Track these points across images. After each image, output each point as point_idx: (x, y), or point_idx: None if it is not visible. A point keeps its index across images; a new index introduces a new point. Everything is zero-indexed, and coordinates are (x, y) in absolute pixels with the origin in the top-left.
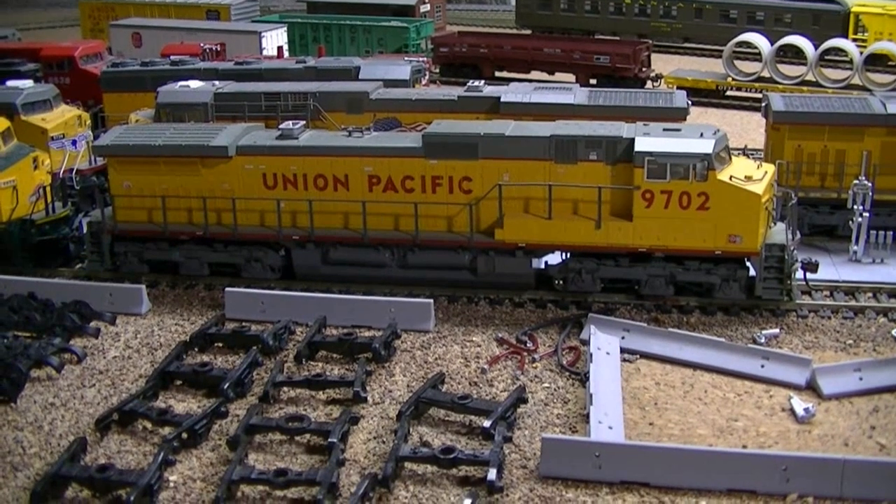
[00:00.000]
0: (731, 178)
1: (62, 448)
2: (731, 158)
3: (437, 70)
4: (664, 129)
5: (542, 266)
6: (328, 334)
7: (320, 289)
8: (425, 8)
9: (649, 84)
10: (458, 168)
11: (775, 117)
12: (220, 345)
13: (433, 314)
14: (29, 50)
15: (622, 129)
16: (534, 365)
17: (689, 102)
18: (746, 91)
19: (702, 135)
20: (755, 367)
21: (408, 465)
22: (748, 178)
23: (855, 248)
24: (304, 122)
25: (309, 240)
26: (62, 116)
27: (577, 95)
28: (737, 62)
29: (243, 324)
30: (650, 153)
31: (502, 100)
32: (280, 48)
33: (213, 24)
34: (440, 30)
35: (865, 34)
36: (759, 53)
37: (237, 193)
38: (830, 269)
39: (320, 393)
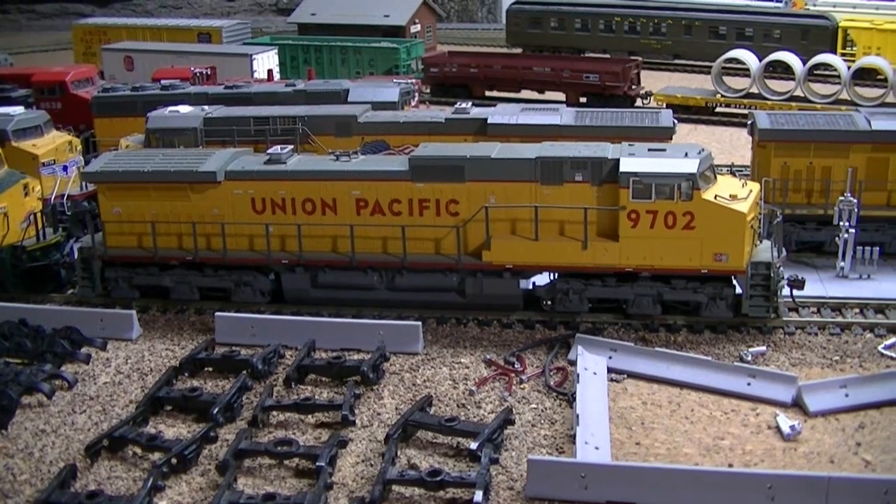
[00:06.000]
0: (716, 197)
1: (53, 475)
2: (716, 177)
3: (428, 90)
4: (649, 150)
5: (530, 287)
6: (317, 358)
7: (310, 312)
8: (416, 28)
9: (639, 101)
10: (444, 191)
11: (761, 135)
12: (211, 369)
13: (422, 336)
14: (20, 75)
15: (607, 149)
16: (521, 386)
17: (675, 121)
18: (735, 107)
19: (686, 154)
20: (741, 385)
21: (395, 487)
22: (733, 197)
23: (842, 264)
24: (291, 146)
25: (298, 263)
26: (53, 142)
27: (564, 116)
28: (726, 78)
29: (233, 348)
30: (635, 174)
31: (489, 121)
32: (270, 71)
33: (205, 48)
34: (431, 50)
35: (854, 49)
36: (748, 70)
37: (226, 218)
38: (818, 286)
39: (309, 417)
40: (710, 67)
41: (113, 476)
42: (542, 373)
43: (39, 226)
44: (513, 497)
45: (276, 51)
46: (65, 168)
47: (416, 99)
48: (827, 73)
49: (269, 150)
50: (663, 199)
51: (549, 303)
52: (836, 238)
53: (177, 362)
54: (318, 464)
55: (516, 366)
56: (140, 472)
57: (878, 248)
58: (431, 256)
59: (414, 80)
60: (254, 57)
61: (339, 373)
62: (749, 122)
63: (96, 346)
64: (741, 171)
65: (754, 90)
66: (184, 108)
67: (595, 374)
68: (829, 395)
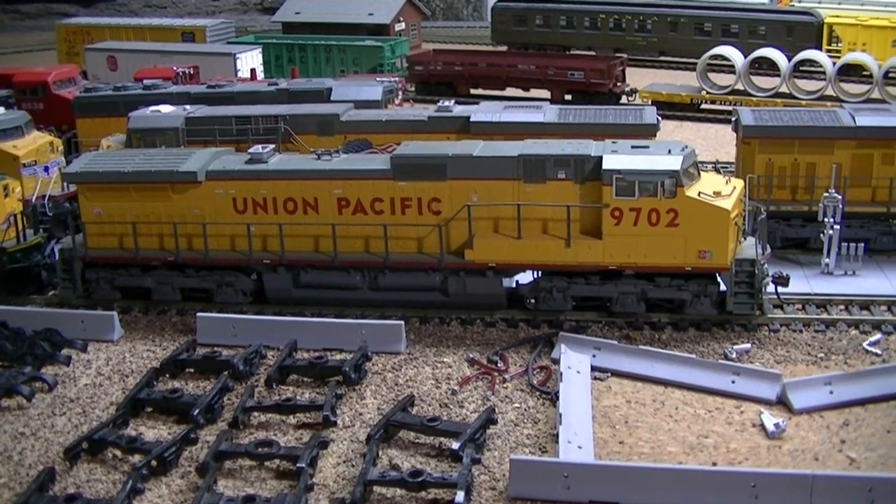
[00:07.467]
0: (699, 194)
1: (31, 478)
2: (699, 174)
3: (413, 88)
4: (632, 147)
5: (514, 285)
6: (299, 358)
7: (292, 312)
8: (400, 26)
9: (624, 99)
10: (426, 189)
11: (745, 132)
12: (192, 370)
13: (404, 336)
14: (2, 76)
15: (590, 147)
16: (505, 385)
17: (659, 118)
18: (721, 104)
19: (670, 151)
20: (726, 383)
21: (376, 488)
22: (717, 194)
23: (827, 260)
24: (273, 145)
25: (280, 263)
26: (34, 143)
27: (547, 113)
28: (711, 75)
29: (215, 349)
30: (618, 171)
31: (472, 119)
32: (253, 70)
33: (188, 47)
34: (415, 48)
35: (839, 45)
36: (733, 66)
37: (208, 218)
38: (802, 282)
39: (290, 417)
40: (696, 64)
41: (92, 479)
42: (526, 372)
43: (20, 227)
44: (495, 497)
45: (259, 50)
46: (46, 169)
47: (400, 97)
48: (812, 69)
49: (251, 150)
50: (647, 196)
51: (533, 301)
52: (821, 234)
53: (158, 363)
54: (298, 465)
55: (499, 365)
56: (120, 475)
57: (862, 245)
58: (414, 255)
59: (397, 79)
60: (237, 56)
61: (321, 373)
62: (733, 119)
63: (77, 348)
64: (726, 167)
65: (739, 87)
66: (165, 108)
67: (578, 372)
68: (814, 392)
